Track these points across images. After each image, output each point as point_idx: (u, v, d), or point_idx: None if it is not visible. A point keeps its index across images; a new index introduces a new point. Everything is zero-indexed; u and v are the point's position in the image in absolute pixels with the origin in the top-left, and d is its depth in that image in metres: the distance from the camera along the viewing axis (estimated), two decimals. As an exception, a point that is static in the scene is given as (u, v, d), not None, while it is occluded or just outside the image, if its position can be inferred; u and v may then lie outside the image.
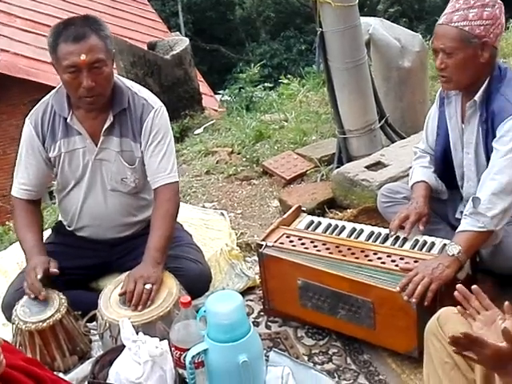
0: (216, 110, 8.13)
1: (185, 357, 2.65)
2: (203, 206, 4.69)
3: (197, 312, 2.77)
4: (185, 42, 7.14)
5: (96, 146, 3.28)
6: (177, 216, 3.31)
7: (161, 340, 2.72)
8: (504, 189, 3.02)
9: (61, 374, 2.95)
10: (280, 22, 21.47)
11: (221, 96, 8.48)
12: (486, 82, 3.14)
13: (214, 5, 21.55)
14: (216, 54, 20.86)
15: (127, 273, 3.11)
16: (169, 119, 3.36)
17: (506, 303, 2.21)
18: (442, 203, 3.52)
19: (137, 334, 2.71)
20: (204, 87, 10.16)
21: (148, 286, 3.00)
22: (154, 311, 2.95)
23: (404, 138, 4.76)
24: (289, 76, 8.02)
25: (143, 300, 2.98)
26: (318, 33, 4.40)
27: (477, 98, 3.15)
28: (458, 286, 2.33)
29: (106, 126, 3.24)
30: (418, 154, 3.56)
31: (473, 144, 3.24)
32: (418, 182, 3.42)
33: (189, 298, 2.69)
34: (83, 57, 3.01)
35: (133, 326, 2.76)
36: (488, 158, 3.17)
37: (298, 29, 20.48)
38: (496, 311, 2.24)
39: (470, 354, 2.11)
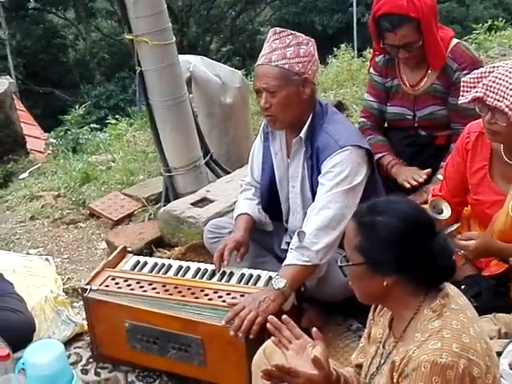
0: (43, 153, 7.91)
1: (5, 414, 2.52)
2: (27, 253, 4.51)
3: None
4: (4, 84, 6.93)
5: None
6: None
7: (-21, 398, 2.57)
8: (329, 223, 3.08)
9: None
10: (114, 64, 21.37)
11: (46, 139, 8.22)
12: (310, 118, 3.22)
13: (45, 48, 21.10)
14: (50, 96, 20.37)
15: None
16: None
17: (314, 329, 2.25)
18: (268, 235, 3.56)
19: (-48, 394, 2.55)
20: (36, 131, 9.85)
21: None
22: (-29, 368, 2.78)
23: (230, 173, 4.80)
24: (117, 116, 7.95)
25: None
26: (138, 72, 4.39)
27: (302, 134, 3.21)
28: (270, 317, 2.36)
29: None
30: (244, 186, 3.58)
31: (299, 178, 3.31)
32: (241, 214, 3.44)
33: (7, 351, 2.56)
34: None
35: None
36: (313, 192, 3.24)
37: (132, 69, 20.32)
38: (306, 339, 2.27)
39: None
